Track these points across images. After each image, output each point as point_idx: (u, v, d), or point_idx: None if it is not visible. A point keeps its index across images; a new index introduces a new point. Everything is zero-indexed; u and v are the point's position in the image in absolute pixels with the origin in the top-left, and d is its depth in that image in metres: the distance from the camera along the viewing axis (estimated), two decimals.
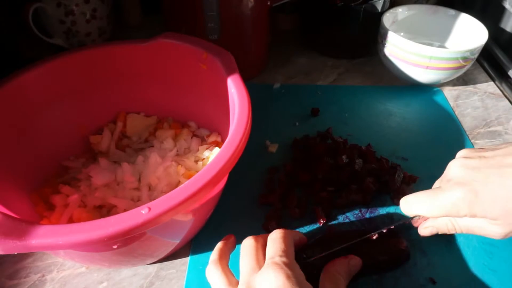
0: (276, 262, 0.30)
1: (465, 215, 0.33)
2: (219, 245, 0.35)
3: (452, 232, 0.37)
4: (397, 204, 0.45)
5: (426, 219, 0.38)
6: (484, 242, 0.42)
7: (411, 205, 0.37)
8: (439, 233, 0.38)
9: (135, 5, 0.77)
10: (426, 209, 0.36)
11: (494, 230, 0.33)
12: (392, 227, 0.40)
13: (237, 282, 0.32)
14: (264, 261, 0.32)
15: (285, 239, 0.33)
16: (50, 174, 0.43)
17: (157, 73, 0.47)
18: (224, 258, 0.34)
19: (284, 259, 0.31)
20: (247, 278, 0.31)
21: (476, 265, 0.40)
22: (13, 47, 0.63)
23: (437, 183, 0.39)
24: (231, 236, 0.37)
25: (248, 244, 0.34)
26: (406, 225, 0.40)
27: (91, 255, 0.33)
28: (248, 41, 0.61)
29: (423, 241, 0.41)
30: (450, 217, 0.36)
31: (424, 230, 0.38)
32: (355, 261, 0.36)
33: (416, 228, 0.39)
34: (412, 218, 0.39)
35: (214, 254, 0.34)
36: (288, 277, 0.29)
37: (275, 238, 0.33)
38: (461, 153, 0.37)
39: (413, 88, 0.64)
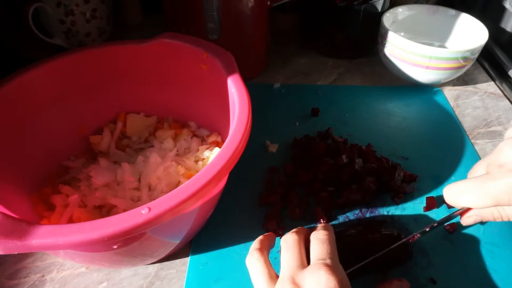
0: (327, 264, 0.30)
1: None
2: (261, 237, 0.35)
3: (498, 220, 0.34)
4: (398, 203, 0.45)
5: (469, 209, 0.36)
6: (485, 241, 0.42)
7: (457, 195, 0.33)
8: (483, 221, 0.36)
9: (135, 5, 0.77)
10: (475, 199, 0.32)
11: None
12: (435, 224, 0.38)
13: (277, 276, 0.32)
14: (306, 258, 0.32)
15: (332, 242, 0.33)
16: (50, 174, 0.43)
17: (157, 73, 0.47)
18: (266, 249, 0.34)
19: (334, 262, 0.31)
20: (292, 273, 0.31)
21: (477, 265, 0.40)
22: (13, 47, 0.63)
23: (479, 167, 0.35)
24: (272, 234, 0.37)
25: (292, 239, 0.34)
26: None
27: (91, 255, 0.33)
28: (248, 41, 0.61)
29: (424, 241, 0.41)
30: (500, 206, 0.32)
31: (468, 219, 0.36)
32: (406, 285, 0.36)
33: (413, 228, 0.39)
34: (455, 211, 0.37)
35: (256, 243, 0.34)
36: (340, 281, 0.29)
37: (323, 240, 0.33)
38: (511, 133, 0.32)
39: (413, 88, 0.64)
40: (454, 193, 0.34)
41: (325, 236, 0.34)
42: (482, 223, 0.42)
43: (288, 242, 0.34)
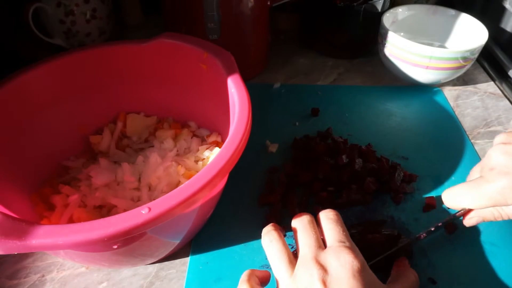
0: (348, 246, 0.31)
1: None
2: (271, 224, 0.35)
3: (498, 219, 0.36)
4: (398, 203, 0.45)
5: (471, 210, 0.37)
6: (485, 241, 0.42)
7: (455, 198, 0.36)
8: (485, 221, 0.37)
9: (135, 5, 0.77)
10: (471, 201, 0.34)
11: None
12: (440, 224, 0.39)
13: (295, 256, 0.32)
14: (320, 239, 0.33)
15: (342, 223, 0.34)
16: (50, 174, 0.43)
17: (157, 73, 0.47)
18: (281, 231, 0.34)
19: (352, 244, 0.32)
20: (314, 253, 0.31)
21: (477, 265, 0.40)
22: (13, 47, 0.63)
23: (475, 172, 0.38)
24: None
25: (306, 219, 0.34)
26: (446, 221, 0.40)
27: (91, 255, 0.33)
28: (248, 41, 0.61)
29: (424, 241, 0.41)
30: (497, 206, 0.34)
31: (470, 220, 0.37)
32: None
33: (414, 228, 0.39)
34: (457, 212, 0.38)
35: (270, 226, 0.35)
36: (363, 263, 0.30)
37: (335, 220, 0.34)
38: (499, 139, 0.35)
39: (413, 88, 0.64)
40: (452, 196, 0.36)
41: (336, 215, 0.34)
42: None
43: (303, 222, 0.34)
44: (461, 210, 0.38)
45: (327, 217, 0.34)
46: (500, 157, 0.33)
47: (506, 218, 0.35)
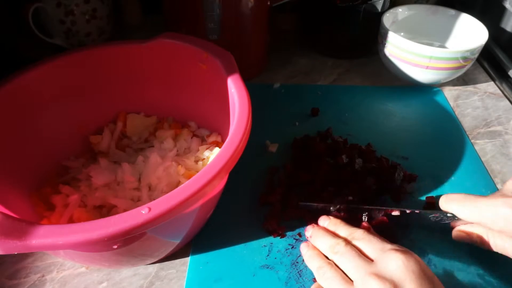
0: (393, 248, 0.32)
1: (500, 230, 0.32)
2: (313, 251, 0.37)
3: (485, 247, 0.35)
4: (398, 203, 0.45)
5: (464, 223, 0.37)
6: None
7: (449, 201, 0.36)
8: (471, 243, 0.36)
9: (135, 5, 0.77)
10: (461, 209, 0.35)
11: None
12: (417, 211, 0.40)
13: (349, 280, 0.32)
14: None
15: (373, 232, 0.36)
16: (50, 174, 0.43)
17: (157, 73, 0.47)
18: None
19: (394, 245, 0.33)
20: (366, 269, 0.31)
21: (477, 265, 0.40)
22: (13, 47, 0.63)
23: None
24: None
25: (342, 244, 0.34)
26: (438, 223, 0.40)
27: (91, 255, 0.33)
28: (248, 41, 0.61)
29: (423, 241, 0.41)
30: (486, 227, 0.34)
31: (457, 232, 0.37)
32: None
33: (415, 228, 0.39)
34: (446, 214, 0.38)
35: (314, 256, 0.36)
36: (415, 257, 0.31)
37: (364, 237, 0.34)
38: None
39: (413, 88, 0.64)
40: (448, 199, 0.37)
41: (363, 234, 0.35)
42: None
43: (340, 248, 0.34)
44: (451, 215, 0.38)
45: (356, 238, 0.35)
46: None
47: (493, 248, 0.35)
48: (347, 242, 0.35)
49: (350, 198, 0.42)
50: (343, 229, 0.37)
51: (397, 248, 0.32)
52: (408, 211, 0.40)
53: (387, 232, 0.40)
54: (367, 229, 0.37)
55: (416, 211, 0.40)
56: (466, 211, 0.34)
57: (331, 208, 0.41)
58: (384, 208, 0.41)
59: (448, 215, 0.38)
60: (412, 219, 0.41)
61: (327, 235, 0.37)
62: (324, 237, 0.37)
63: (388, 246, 0.32)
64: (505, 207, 0.32)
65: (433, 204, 0.45)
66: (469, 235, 0.36)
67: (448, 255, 0.41)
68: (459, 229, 0.37)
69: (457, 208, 0.35)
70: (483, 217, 0.33)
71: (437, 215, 0.40)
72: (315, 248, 0.37)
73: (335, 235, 0.37)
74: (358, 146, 0.50)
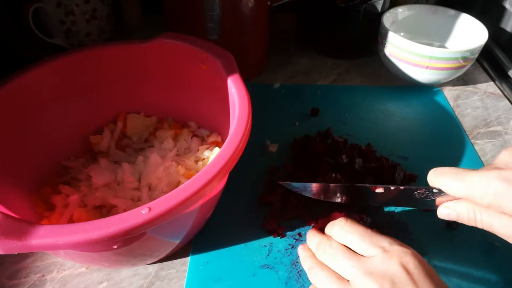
0: (395, 244, 0.31)
1: (489, 205, 0.30)
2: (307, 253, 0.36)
3: (471, 224, 0.33)
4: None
5: (450, 199, 0.35)
6: (485, 241, 0.42)
7: (438, 175, 0.34)
8: (458, 220, 0.34)
9: (135, 5, 0.77)
10: (449, 183, 0.32)
11: None
12: (402, 187, 0.38)
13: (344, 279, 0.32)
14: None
15: (356, 225, 0.34)
16: (50, 174, 0.43)
17: (157, 73, 0.47)
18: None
19: (390, 242, 0.32)
20: (360, 269, 0.30)
21: (477, 265, 0.40)
22: (13, 47, 0.63)
23: None
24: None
25: (327, 245, 0.34)
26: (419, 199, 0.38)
27: (91, 255, 0.33)
28: (248, 41, 0.61)
29: (423, 241, 0.41)
30: (474, 202, 0.32)
31: (443, 209, 0.35)
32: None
33: (414, 228, 0.39)
34: (431, 190, 0.36)
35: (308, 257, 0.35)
36: (412, 251, 0.30)
37: (354, 227, 0.34)
38: None
39: (413, 88, 0.64)
40: (436, 173, 0.34)
41: (347, 223, 0.34)
42: None
43: (327, 247, 0.33)
44: (436, 190, 0.35)
45: (343, 230, 0.34)
46: (506, 156, 0.31)
47: (479, 225, 0.32)
48: (332, 239, 0.34)
49: (334, 175, 0.42)
50: (333, 225, 0.35)
51: (393, 246, 0.31)
52: (392, 188, 0.38)
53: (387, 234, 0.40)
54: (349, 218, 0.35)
55: (400, 188, 0.38)
56: (456, 184, 0.32)
57: (312, 186, 0.40)
58: (368, 185, 0.39)
59: (434, 190, 0.36)
60: (397, 197, 0.39)
61: (316, 235, 0.36)
62: (314, 236, 0.36)
63: (384, 240, 0.31)
64: (497, 180, 0.29)
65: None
66: (455, 211, 0.34)
67: (448, 255, 0.41)
68: (445, 205, 0.35)
69: (445, 182, 0.33)
70: (472, 191, 0.30)
71: (422, 191, 0.37)
72: (309, 249, 0.36)
73: (325, 234, 0.36)
74: (358, 146, 0.50)
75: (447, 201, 0.35)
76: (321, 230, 0.38)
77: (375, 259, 0.30)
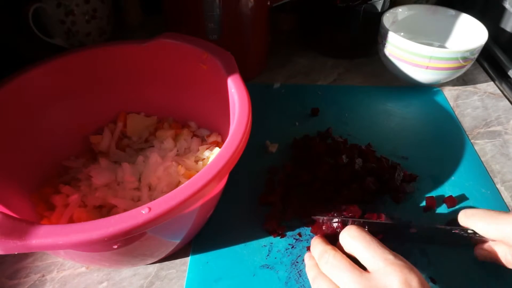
0: (394, 262, 0.30)
1: None
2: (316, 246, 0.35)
3: (510, 266, 0.33)
4: (398, 203, 0.45)
5: (486, 240, 0.35)
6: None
7: (468, 217, 0.34)
8: (496, 262, 0.34)
9: (135, 5, 0.77)
10: (482, 225, 0.33)
11: None
12: (437, 227, 0.37)
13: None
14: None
15: (366, 234, 0.33)
16: (50, 174, 0.43)
17: (157, 73, 0.47)
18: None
19: (392, 256, 0.30)
20: (360, 285, 0.30)
21: (477, 264, 0.40)
22: (13, 47, 0.63)
23: None
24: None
25: (331, 254, 0.33)
26: (460, 236, 0.38)
27: (91, 255, 0.33)
28: (248, 41, 0.61)
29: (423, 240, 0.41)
30: (509, 245, 0.32)
31: (480, 251, 0.35)
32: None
33: (415, 229, 0.39)
34: (466, 230, 0.36)
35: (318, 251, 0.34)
36: (416, 272, 0.29)
37: (363, 235, 0.32)
38: None
39: (413, 88, 0.64)
40: (468, 215, 0.35)
41: (358, 231, 0.32)
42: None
43: (329, 258, 0.32)
44: (471, 232, 0.36)
45: (350, 236, 0.32)
46: None
47: None
48: (336, 249, 0.33)
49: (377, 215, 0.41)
50: (343, 231, 0.34)
51: (397, 261, 0.30)
52: (426, 226, 0.38)
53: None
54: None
55: (435, 227, 0.38)
56: (488, 227, 0.33)
57: (349, 221, 0.38)
58: (401, 222, 0.38)
59: (469, 231, 0.36)
60: (432, 236, 0.39)
61: (319, 244, 0.35)
62: (317, 245, 0.35)
63: (389, 253, 0.30)
64: None
65: (433, 205, 0.44)
66: (492, 253, 0.34)
67: (448, 254, 0.41)
68: (482, 247, 0.35)
69: (477, 224, 0.33)
70: (506, 234, 0.31)
71: (456, 231, 0.37)
72: (313, 258, 0.35)
73: (328, 244, 0.35)
74: (358, 146, 0.50)
75: (484, 242, 0.35)
76: (326, 237, 0.37)
77: (377, 274, 0.29)
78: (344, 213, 0.41)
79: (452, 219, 0.43)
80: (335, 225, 0.38)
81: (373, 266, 0.30)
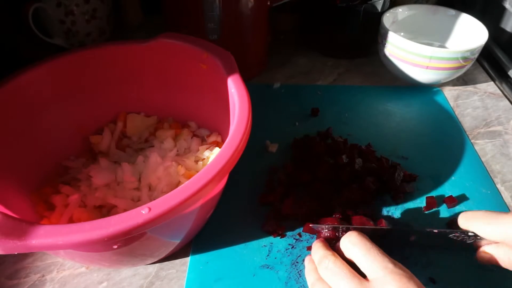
0: (393, 271, 0.29)
1: None
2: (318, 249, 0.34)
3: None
4: (398, 203, 0.45)
5: (488, 243, 0.35)
6: None
7: (468, 219, 0.34)
8: (498, 264, 0.34)
9: (135, 5, 0.77)
10: (482, 227, 0.32)
11: None
12: (436, 231, 0.37)
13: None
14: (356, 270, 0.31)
15: (366, 240, 0.32)
16: (50, 174, 0.43)
17: (157, 73, 0.47)
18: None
19: (393, 264, 0.30)
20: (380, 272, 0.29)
21: (477, 264, 0.40)
22: (13, 47, 0.63)
23: None
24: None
25: (331, 261, 0.32)
26: (460, 242, 0.37)
27: (91, 255, 0.33)
28: (248, 41, 0.61)
29: (423, 240, 0.41)
30: (511, 246, 0.32)
31: (483, 254, 0.35)
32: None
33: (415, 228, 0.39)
34: (467, 233, 0.36)
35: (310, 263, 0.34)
36: (416, 281, 0.29)
37: (363, 242, 0.32)
38: None
39: (413, 88, 0.64)
40: (468, 217, 0.35)
41: (358, 237, 0.32)
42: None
43: (329, 264, 0.32)
44: (472, 234, 0.36)
45: (351, 242, 0.32)
46: None
47: None
48: (336, 255, 0.33)
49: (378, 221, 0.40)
50: (344, 236, 0.34)
51: (397, 270, 0.29)
52: (427, 230, 0.37)
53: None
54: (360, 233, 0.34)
55: (434, 231, 0.37)
56: (488, 228, 0.32)
57: (340, 229, 0.37)
58: (400, 229, 0.38)
59: (470, 234, 0.36)
60: (434, 241, 0.39)
61: (320, 248, 0.34)
62: (317, 249, 0.35)
63: (389, 261, 0.30)
64: None
65: (433, 205, 0.44)
66: (494, 257, 0.34)
67: (448, 254, 0.41)
68: (484, 250, 0.35)
69: (478, 226, 0.33)
70: (507, 234, 0.31)
71: (457, 234, 0.37)
72: (313, 262, 0.35)
73: (329, 249, 0.34)
74: (358, 146, 0.50)
75: (485, 244, 0.35)
76: (327, 241, 0.37)
77: (376, 283, 0.29)
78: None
79: (451, 221, 0.43)
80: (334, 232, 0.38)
81: (373, 275, 0.30)
